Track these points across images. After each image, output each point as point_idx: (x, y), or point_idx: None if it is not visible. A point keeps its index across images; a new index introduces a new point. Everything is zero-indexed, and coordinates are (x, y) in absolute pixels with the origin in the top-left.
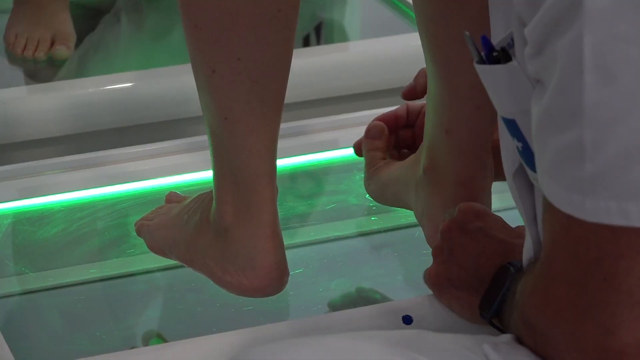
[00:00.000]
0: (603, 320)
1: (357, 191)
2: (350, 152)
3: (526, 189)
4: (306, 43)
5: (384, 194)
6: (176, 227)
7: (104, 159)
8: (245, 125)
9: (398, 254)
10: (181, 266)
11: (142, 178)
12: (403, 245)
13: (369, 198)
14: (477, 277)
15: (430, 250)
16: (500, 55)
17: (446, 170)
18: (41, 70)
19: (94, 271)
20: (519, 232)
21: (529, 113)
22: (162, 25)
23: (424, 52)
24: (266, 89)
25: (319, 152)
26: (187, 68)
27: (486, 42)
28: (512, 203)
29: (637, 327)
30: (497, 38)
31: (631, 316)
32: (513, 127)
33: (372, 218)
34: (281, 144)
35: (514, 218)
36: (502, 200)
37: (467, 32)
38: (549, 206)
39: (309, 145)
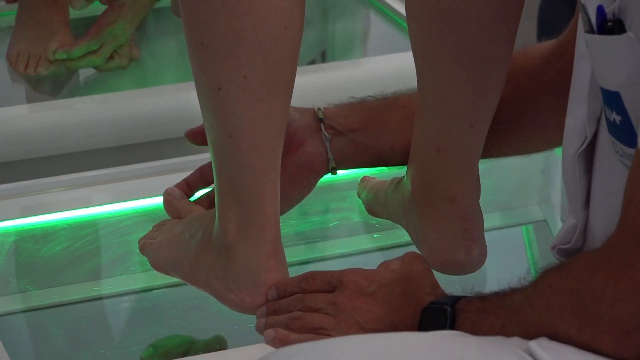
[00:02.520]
0: None
1: (360, 209)
2: (353, 170)
3: (585, 171)
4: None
5: (377, 211)
6: (179, 246)
7: (108, 177)
8: (249, 143)
9: None
10: (184, 284)
11: (145, 196)
12: None
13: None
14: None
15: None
16: (614, 26)
17: (436, 188)
18: (45, 88)
19: (97, 289)
20: (404, 277)
21: (638, 86)
22: (165, 43)
23: (417, 71)
24: (271, 107)
25: None
26: (191, 85)
27: (601, 11)
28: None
29: None
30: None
31: None
32: (614, 99)
33: (375, 235)
34: None
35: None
36: (505, 218)
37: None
38: None
39: None
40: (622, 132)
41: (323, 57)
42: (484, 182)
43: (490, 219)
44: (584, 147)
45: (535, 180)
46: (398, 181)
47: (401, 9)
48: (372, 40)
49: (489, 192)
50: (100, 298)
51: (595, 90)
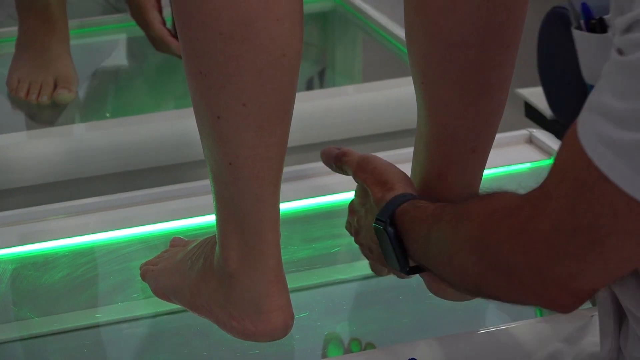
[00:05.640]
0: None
1: None
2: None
3: None
4: (309, 87)
5: None
6: (180, 273)
7: (108, 204)
8: (250, 170)
9: (403, 297)
10: (186, 311)
11: (145, 223)
12: (408, 288)
13: None
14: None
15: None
16: (596, 25)
17: None
18: (44, 114)
19: (98, 316)
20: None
21: None
22: (164, 70)
23: (417, 97)
24: (271, 134)
25: (323, 195)
26: (190, 112)
27: (586, 9)
28: None
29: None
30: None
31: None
32: None
33: None
34: (285, 187)
35: None
36: None
37: None
38: (570, 143)
39: (313, 188)
40: None
41: (321, 82)
42: None
43: None
44: None
45: None
46: None
47: (400, 33)
48: (371, 65)
49: None
50: (101, 325)
51: None
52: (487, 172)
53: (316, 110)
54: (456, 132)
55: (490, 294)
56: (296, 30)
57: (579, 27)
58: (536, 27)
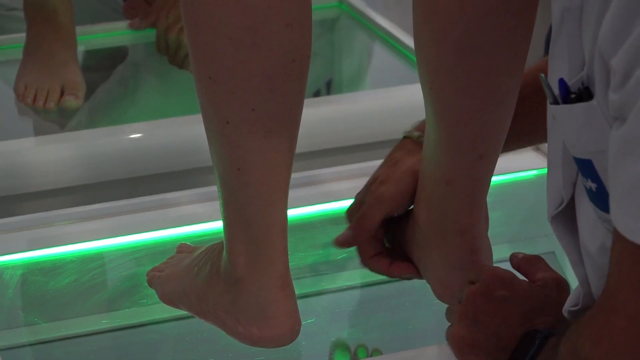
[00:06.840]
0: None
1: None
2: None
3: (566, 231)
4: (317, 94)
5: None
6: (186, 279)
7: (116, 210)
8: (258, 175)
9: (409, 303)
10: (193, 316)
11: (153, 228)
12: (414, 295)
13: None
14: (498, 345)
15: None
16: (582, 94)
17: (446, 221)
18: (52, 120)
19: (106, 321)
20: (546, 297)
21: (606, 153)
22: (172, 76)
23: (425, 103)
24: (280, 139)
25: (330, 202)
26: (198, 118)
27: (563, 84)
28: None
29: None
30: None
31: None
32: (588, 167)
33: None
34: (292, 193)
35: None
36: (513, 250)
37: (542, 74)
38: (618, 238)
39: (320, 195)
40: (599, 199)
41: (329, 89)
42: (492, 214)
43: (498, 251)
44: (560, 209)
45: (543, 212)
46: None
47: (407, 40)
48: (378, 72)
49: (497, 224)
50: (108, 331)
51: (568, 157)
52: (493, 179)
53: (323, 116)
54: (464, 138)
55: None
56: (306, 35)
57: (555, 103)
58: (543, 34)
